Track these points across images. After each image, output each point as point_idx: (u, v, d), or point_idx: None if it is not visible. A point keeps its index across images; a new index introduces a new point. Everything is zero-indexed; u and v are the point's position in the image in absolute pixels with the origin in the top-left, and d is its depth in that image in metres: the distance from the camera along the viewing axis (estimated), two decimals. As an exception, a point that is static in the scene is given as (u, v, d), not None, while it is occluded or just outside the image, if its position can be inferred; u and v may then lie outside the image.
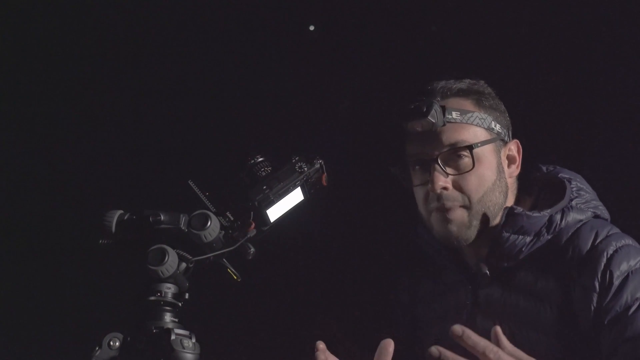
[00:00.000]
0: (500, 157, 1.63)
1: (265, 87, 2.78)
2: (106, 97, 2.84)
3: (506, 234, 1.57)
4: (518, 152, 1.68)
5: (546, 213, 1.57)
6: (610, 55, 2.35)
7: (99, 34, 2.84)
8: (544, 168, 1.73)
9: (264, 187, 1.47)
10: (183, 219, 1.43)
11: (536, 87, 2.42)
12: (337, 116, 2.69)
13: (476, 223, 1.59)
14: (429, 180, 1.57)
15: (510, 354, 1.15)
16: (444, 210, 1.58)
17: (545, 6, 2.44)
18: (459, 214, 1.58)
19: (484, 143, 1.59)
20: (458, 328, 1.11)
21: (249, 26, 2.81)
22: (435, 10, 2.60)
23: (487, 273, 1.60)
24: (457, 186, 1.58)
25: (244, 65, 2.81)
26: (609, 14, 2.34)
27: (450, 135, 1.57)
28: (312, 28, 2.75)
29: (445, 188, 1.57)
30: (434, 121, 1.53)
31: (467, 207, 1.59)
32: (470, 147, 1.56)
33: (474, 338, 1.11)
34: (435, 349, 1.11)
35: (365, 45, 2.71)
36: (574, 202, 1.61)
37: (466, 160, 1.57)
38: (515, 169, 1.67)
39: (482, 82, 1.68)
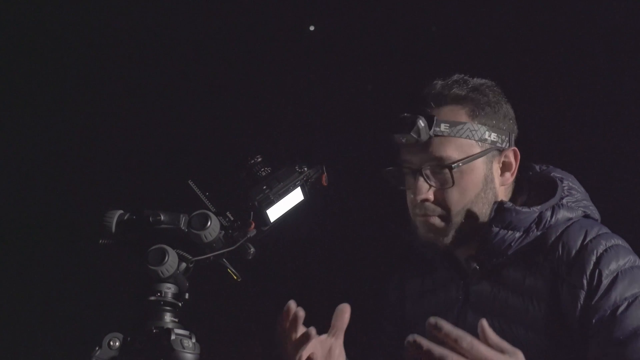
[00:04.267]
0: (490, 168, 1.62)
1: (266, 87, 2.78)
2: (106, 97, 2.84)
3: (495, 229, 1.57)
4: (515, 159, 1.65)
5: (536, 209, 1.57)
6: (604, 57, 2.35)
7: (99, 32, 2.84)
8: (537, 167, 1.73)
9: (264, 187, 1.48)
10: (183, 219, 1.43)
11: (532, 89, 2.42)
12: (336, 117, 2.69)
13: (454, 232, 1.60)
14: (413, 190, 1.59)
15: (494, 345, 1.14)
16: (425, 216, 1.60)
17: (539, 7, 2.44)
18: (437, 222, 1.60)
19: (467, 161, 1.57)
20: (432, 319, 1.12)
21: (249, 26, 2.80)
22: (434, 10, 2.60)
23: (477, 268, 1.61)
24: (440, 197, 1.59)
25: (244, 66, 2.80)
26: (601, 15, 2.34)
27: (435, 150, 1.57)
28: (312, 28, 2.75)
29: (426, 199, 1.58)
30: (416, 137, 1.54)
31: (446, 218, 1.59)
32: (449, 167, 1.56)
33: (446, 328, 1.11)
34: (411, 337, 1.10)
35: (365, 45, 2.71)
36: (564, 200, 1.61)
37: (448, 177, 1.57)
38: (510, 176, 1.65)
39: (488, 83, 1.65)
